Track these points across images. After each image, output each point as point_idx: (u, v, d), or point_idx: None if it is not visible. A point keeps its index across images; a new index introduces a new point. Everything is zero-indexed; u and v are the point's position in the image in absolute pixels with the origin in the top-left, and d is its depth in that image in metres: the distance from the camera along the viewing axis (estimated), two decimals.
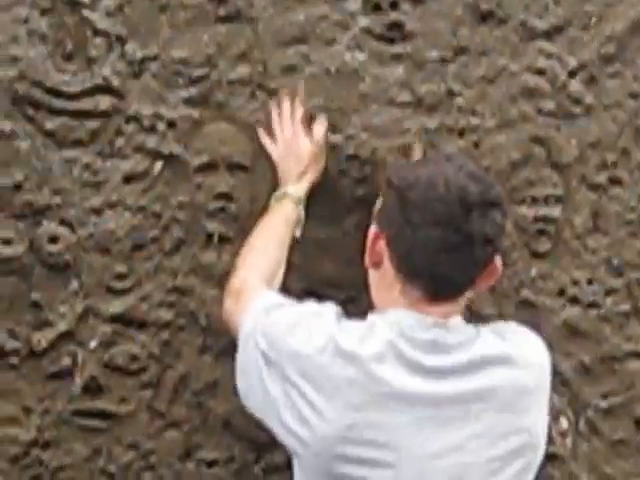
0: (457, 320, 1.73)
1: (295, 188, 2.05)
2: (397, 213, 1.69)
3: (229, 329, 1.90)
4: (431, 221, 1.65)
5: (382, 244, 1.74)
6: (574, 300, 2.19)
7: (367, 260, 1.80)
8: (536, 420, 1.74)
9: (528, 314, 2.13)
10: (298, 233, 2.05)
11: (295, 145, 2.07)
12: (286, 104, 2.10)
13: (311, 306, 1.82)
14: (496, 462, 1.68)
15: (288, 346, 1.71)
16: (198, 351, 2.12)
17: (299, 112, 2.10)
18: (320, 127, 2.09)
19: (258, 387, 1.75)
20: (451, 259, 1.66)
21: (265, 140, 2.11)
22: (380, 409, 1.65)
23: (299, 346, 1.70)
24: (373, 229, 1.78)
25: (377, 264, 1.77)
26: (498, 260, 1.73)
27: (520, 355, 1.73)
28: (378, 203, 1.83)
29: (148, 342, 2.11)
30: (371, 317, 1.76)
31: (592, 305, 2.19)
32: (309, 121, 2.09)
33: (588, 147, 2.17)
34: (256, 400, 1.77)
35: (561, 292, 2.18)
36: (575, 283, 2.19)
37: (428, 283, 1.70)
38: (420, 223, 1.66)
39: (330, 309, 1.79)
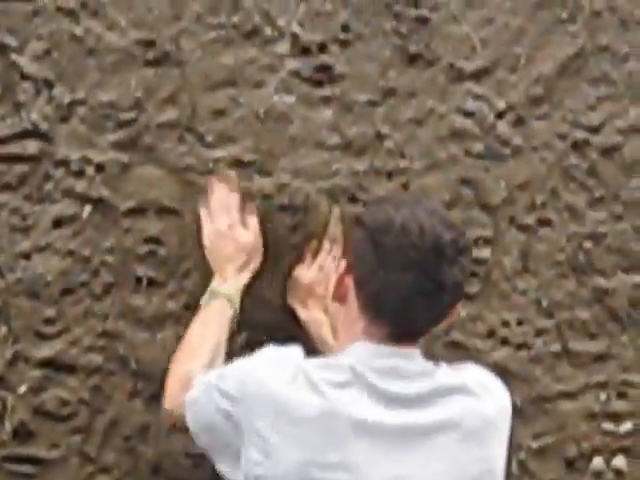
0: (416, 352, 1.73)
1: (228, 285, 2.01)
2: (369, 255, 1.68)
3: (179, 415, 1.82)
4: (404, 266, 1.65)
5: (349, 281, 1.74)
6: (504, 341, 2.19)
7: (333, 294, 1.81)
8: (498, 452, 1.74)
9: (458, 355, 2.12)
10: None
11: (232, 237, 2.04)
12: (219, 192, 2.07)
13: (272, 348, 1.80)
14: None
15: (255, 378, 1.69)
16: (128, 395, 2.11)
17: (234, 200, 2.07)
18: (253, 217, 2.07)
19: (219, 424, 1.74)
20: (421, 304, 1.67)
21: (206, 224, 2.06)
22: (343, 438, 1.64)
23: (268, 379, 1.69)
24: (343, 264, 1.77)
25: (342, 299, 1.77)
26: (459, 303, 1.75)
27: (483, 388, 1.74)
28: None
29: (78, 387, 2.09)
30: (331, 355, 1.80)
31: (522, 346, 2.19)
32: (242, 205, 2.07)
33: (517, 188, 2.17)
34: (211, 439, 1.76)
35: (491, 333, 2.18)
36: (505, 324, 2.19)
37: (394, 325, 1.70)
38: (393, 267, 1.66)
39: (296, 346, 1.79)
